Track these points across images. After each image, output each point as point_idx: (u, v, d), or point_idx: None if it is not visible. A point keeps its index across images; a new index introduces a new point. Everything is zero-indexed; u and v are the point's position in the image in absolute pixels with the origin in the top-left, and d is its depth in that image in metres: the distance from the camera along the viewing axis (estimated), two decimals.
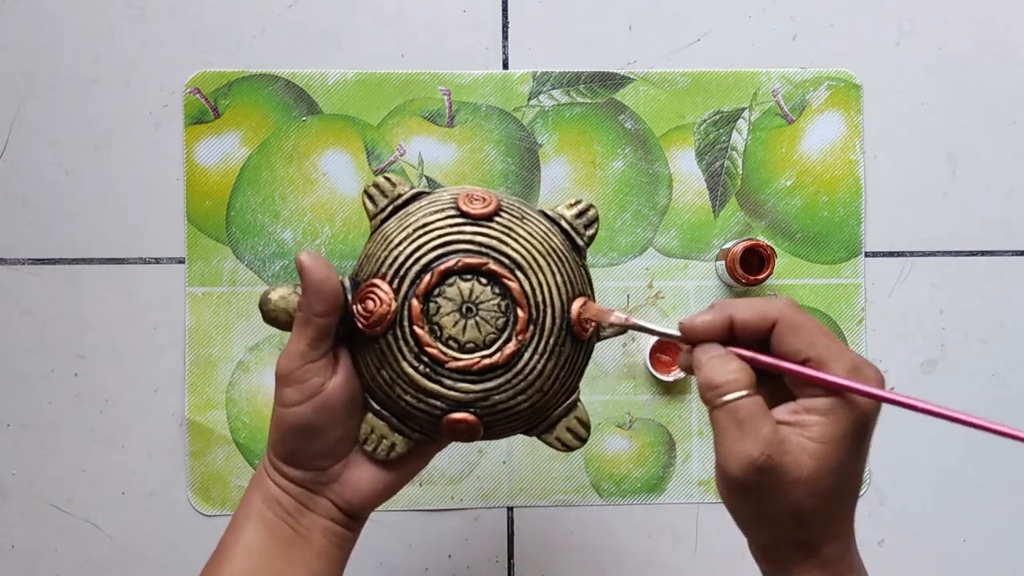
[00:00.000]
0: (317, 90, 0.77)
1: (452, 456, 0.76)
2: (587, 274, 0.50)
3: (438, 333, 0.45)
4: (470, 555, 0.76)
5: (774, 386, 0.43)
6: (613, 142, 0.77)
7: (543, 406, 0.47)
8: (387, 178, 0.49)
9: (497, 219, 0.46)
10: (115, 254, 0.76)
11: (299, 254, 0.45)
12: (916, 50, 0.79)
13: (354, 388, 0.48)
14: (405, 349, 0.45)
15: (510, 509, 0.76)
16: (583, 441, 0.49)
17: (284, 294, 0.47)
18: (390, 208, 0.49)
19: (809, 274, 0.77)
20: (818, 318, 0.77)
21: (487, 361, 0.45)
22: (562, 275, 0.47)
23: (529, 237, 0.47)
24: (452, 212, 0.47)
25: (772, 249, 0.72)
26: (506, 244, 0.46)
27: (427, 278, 0.45)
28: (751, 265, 0.73)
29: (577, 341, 0.47)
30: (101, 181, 0.76)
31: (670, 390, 0.77)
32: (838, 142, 0.78)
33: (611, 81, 0.78)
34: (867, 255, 0.78)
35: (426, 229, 0.46)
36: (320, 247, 0.76)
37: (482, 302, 0.45)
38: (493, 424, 0.47)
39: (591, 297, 0.49)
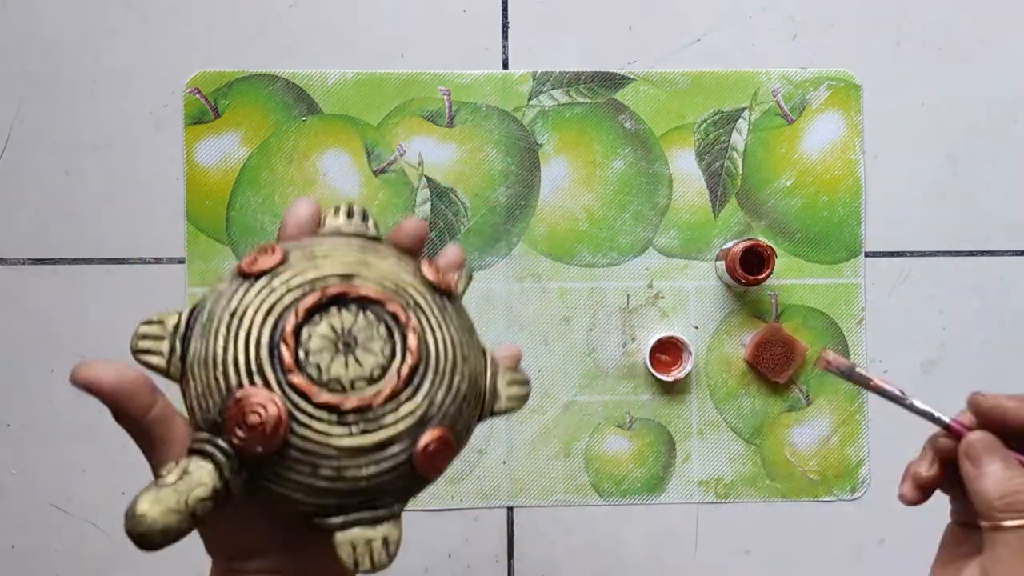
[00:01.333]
0: (317, 90, 0.77)
1: None
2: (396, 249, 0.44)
3: (341, 387, 0.38)
4: (470, 555, 0.76)
5: None
6: (613, 142, 0.77)
7: (472, 374, 0.41)
8: (148, 321, 0.42)
9: (289, 259, 0.40)
10: (115, 254, 0.76)
11: (74, 372, 0.39)
12: (916, 50, 0.79)
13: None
14: (323, 426, 0.38)
15: (510, 509, 0.76)
16: (528, 386, 0.44)
17: (152, 500, 0.39)
18: (179, 343, 0.42)
19: (809, 274, 0.77)
20: (818, 318, 0.77)
21: (406, 368, 0.39)
22: (385, 257, 0.42)
23: (331, 252, 0.41)
24: (239, 283, 0.40)
25: (772, 249, 0.72)
26: (322, 268, 0.40)
27: (284, 347, 0.38)
28: (751, 265, 0.73)
29: (451, 298, 0.42)
30: (101, 181, 0.76)
31: (670, 390, 0.77)
32: (838, 142, 0.78)
33: (611, 81, 0.78)
34: (867, 255, 0.78)
35: (223, 312, 0.40)
36: None
37: (352, 328, 0.39)
38: (457, 423, 0.41)
39: (429, 259, 0.43)
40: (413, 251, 0.44)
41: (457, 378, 0.40)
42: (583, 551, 0.77)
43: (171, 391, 0.43)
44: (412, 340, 0.39)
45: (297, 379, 0.38)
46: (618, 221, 0.77)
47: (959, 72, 0.79)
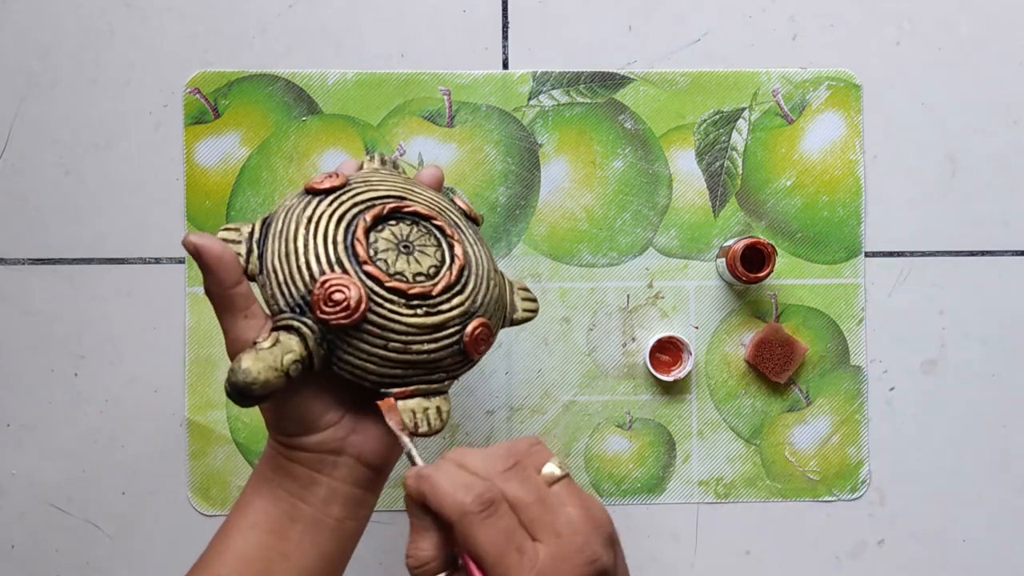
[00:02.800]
0: (317, 90, 0.77)
1: None
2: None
3: (405, 278, 0.47)
4: None
5: None
6: (613, 142, 0.77)
7: (500, 284, 0.53)
8: (226, 227, 0.49)
9: (350, 182, 0.50)
10: (115, 254, 0.76)
11: (185, 237, 0.46)
12: (916, 50, 0.79)
13: None
14: (395, 306, 0.47)
15: None
16: (536, 302, 0.57)
17: (255, 359, 0.45)
18: (255, 245, 0.49)
19: (809, 274, 0.77)
20: (818, 318, 0.77)
21: (456, 268, 0.48)
22: (425, 190, 0.52)
23: (385, 180, 0.51)
24: (309, 198, 0.49)
25: (773, 247, 0.72)
26: (380, 190, 0.50)
27: (358, 244, 0.47)
28: (752, 263, 0.73)
29: (477, 225, 0.54)
30: (101, 181, 0.76)
31: (670, 390, 0.77)
32: (838, 142, 0.78)
33: (611, 81, 0.78)
34: (867, 255, 0.78)
35: (300, 217, 0.48)
36: None
37: (409, 236, 0.49)
38: (494, 319, 0.51)
39: (450, 195, 0.55)
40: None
41: (492, 283, 0.51)
42: None
43: None
44: (459, 249, 0.49)
45: (371, 268, 0.46)
46: (618, 221, 0.77)
47: (959, 72, 0.79)
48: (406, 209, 0.49)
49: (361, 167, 0.56)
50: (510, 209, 0.77)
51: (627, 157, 0.77)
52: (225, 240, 0.48)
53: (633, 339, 0.77)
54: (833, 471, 0.77)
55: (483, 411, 0.76)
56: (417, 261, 0.48)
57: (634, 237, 0.77)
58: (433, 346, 0.48)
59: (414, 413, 0.48)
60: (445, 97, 0.77)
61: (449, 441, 0.76)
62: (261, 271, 0.48)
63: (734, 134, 0.78)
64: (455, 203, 0.53)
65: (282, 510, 0.47)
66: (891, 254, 0.78)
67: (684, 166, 0.77)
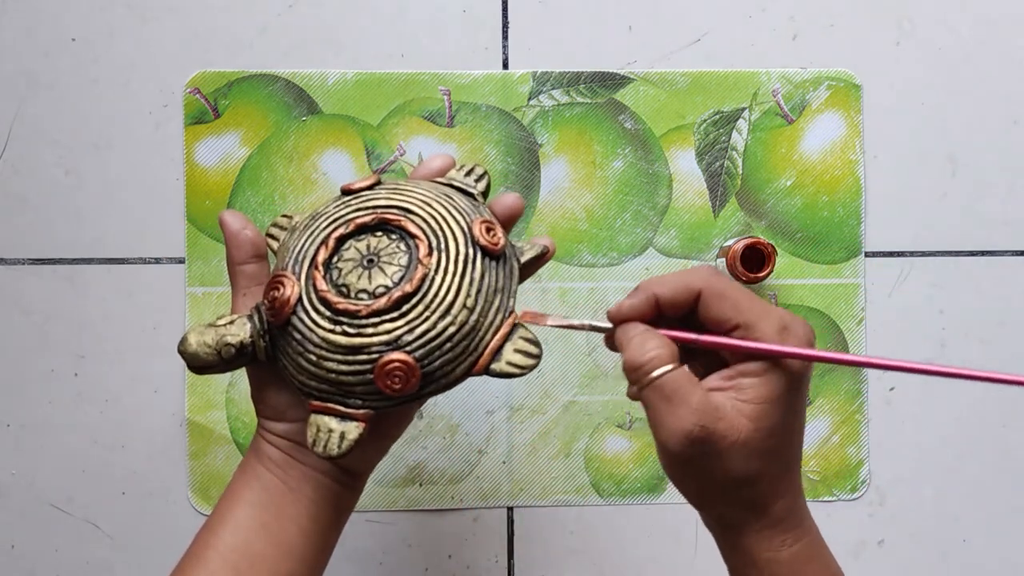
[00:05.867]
0: (317, 90, 0.77)
1: (452, 456, 0.76)
2: (487, 210, 0.50)
3: (347, 292, 0.45)
4: (470, 555, 0.76)
5: (711, 355, 0.44)
6: (613, 142, 0.77)
7: (474, 327, 0.45)
8: (285, 215, 0.51)
9: (380, 185, 0.49)
10: (115, 254, 0.76)
11: (221, 213, 0.50)
12: (916, 50, 0.79)
13: None
14: (318, 317, 0.45)
15: (510, 509, 0.76)
16: (536, 358, 0.46)
17: (199, 332, 0.48)
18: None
19: (809, 274, 0.77)
20: (818, 318, 0.77)
21: (398, 293, 0.44)
22: (455, 207, 0.47)
23: (415, 189, 0.48)
24: (337, 196, 0.49)
25: (773, 247, 0.72)
26: (393, 198, 0.47)
27: (323, 248, 0.46)
28: (752, 263, 0.73)
29: (491, 257, 0.46)
30: (101, 181, 0.76)
31: None
32: (838, 142, 0.78)
33: (611, 81, 0.78)
34: (867, 255, 0.78)
35: (317, 216, 0.48)
36: None
37: (382, 250, 0.46)
38: (430, 360, 0.45)
39: (494, 222, 0.48)
40: (504, 223, 0.50)
41: (445, 321, 0.44)
42: (583, 551, 0.77)
43: None
44: (417, 273, 0.44)
45: (315, 272, 0.45)
46: (618, 221, 0.77)
47: (959, 72, 0.79)
48: (394, 223, 0.46)
49: (452, 167, 0.53)
50: None
51: (627, 157, 0.77)
52: (275, 225, 0.51)
53: None
54: (833, 471, 0.77)
55: (483, 411, 0.76)
56: (369, 278, 0.45)
57: (634, 237, 0.77)
58: (345, 368, 0.45)
59: (317, 429, 0.46)
60: (445, 97, 0.77)
61: (449, 441, 0.76)
62: None
63: (734, 134, 0.78)
64: (474, 229, 0.47)
65: (264, 486, 0.49)
66: (891, 254, 0.78)
67: (684, 166, 0.77)
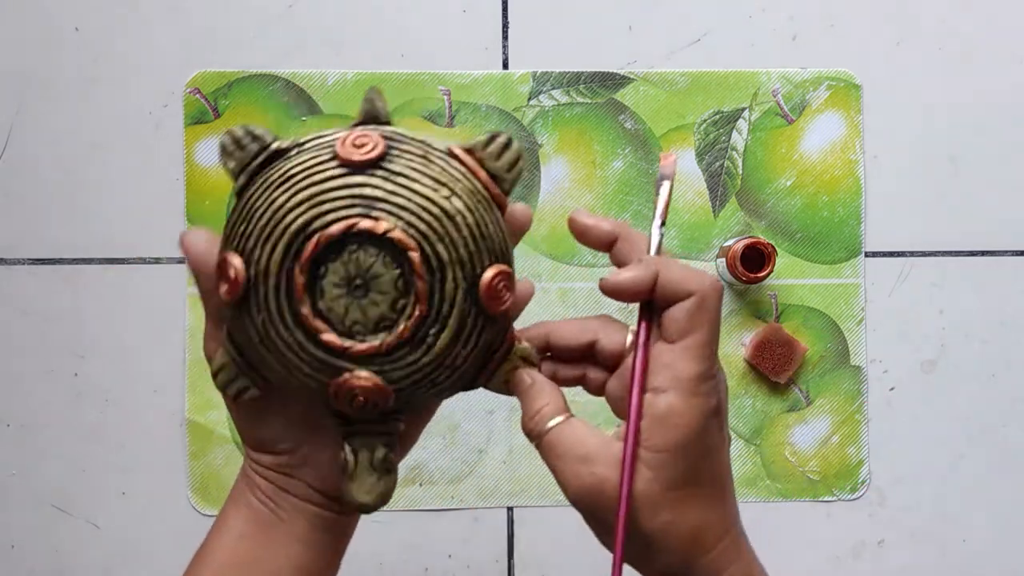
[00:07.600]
0: (317, 90, 0.77)
1: (452, 456, 0.76)
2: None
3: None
4: (470, 555, 0.76)
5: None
6: (613, 142, 0.77)
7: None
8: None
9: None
10: (115, 254, 0.76)
11: (183, 234, 0.42)
12: (916, 50, 0.79)
13: None
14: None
15: (510, 509, 0.76)
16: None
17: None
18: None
19: (809, 274, 0.77)
20: (818, 318, 0.77)
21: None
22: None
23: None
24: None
25: (773, 247, 0.72)
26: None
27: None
28: (752, 263, 0.73)
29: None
30: (101, 181, 0.76)
31: None
32: (838, 142, 0.78)
33: (611, 81, 0.78)
34: (867, 255, 0.78)
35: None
36: None
37: (369, 270, 0.37)
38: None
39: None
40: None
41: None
42: (583, 551, 0.76)
43: None
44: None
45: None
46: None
47: (959, 72, 0.79)
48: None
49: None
50: None
51: (627, 157, 0.77)
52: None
53: None
54: (833, 471, 0.77)
55: (483, 411, 0.76)
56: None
57: None
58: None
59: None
60: (445, 97, 0.77)
61: (449, 441, 0.76)
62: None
63: (734, 134, 0.78)
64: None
65: (254, 515, 0.47)
66: (891, 254, 0.78)
67: (684, 166, 0.77)
